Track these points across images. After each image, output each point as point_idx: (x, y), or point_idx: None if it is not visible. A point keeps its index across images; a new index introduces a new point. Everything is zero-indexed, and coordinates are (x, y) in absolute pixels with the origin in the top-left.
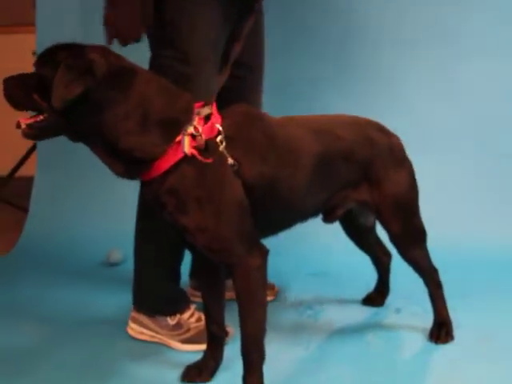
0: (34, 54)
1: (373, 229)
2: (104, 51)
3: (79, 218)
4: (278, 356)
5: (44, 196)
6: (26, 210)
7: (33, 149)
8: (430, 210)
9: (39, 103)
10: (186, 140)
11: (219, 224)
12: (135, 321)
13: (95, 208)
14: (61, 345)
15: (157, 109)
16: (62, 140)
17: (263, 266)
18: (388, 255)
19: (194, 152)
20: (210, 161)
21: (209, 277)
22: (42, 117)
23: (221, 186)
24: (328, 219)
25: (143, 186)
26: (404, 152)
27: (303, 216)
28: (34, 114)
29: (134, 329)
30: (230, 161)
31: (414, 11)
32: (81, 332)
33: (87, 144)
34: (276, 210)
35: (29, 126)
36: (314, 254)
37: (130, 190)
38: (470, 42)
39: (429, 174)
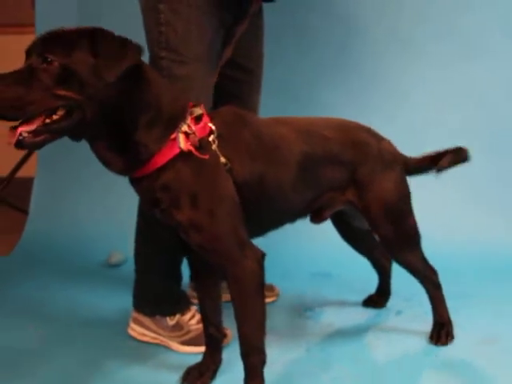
0: None
1: (369, 233)
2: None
3: (79, 219)
4: (279, 358)
5: (44, 197)
6: (26, 212)
7: None
8: (433, 214)
9: (68, 97)
10: (181, 137)
11: (213, 221)
12: (136, 321)
13: (95, 209)
14: (61, 346)
15: (164, 106)
16: (62, 141)
17: (258, 270)
18: (388, 258)
19: (191, 148)
20: (206, 157)
21: (205, 278)
22: (60, 114)
23: (215, 183)
24: (315, 220)
25: (134, 183)
26: (394, 156)
27: (290, 216)
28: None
29: (135, 330)
30: (222, 159)
31: (413, 13)
32: (81, 333)
33: (92, 139)
34: (264, 209)
35: (38, 131)
36: (315, 255)
37: (130, 191)
38: (471, 42)
39: (431, 178)
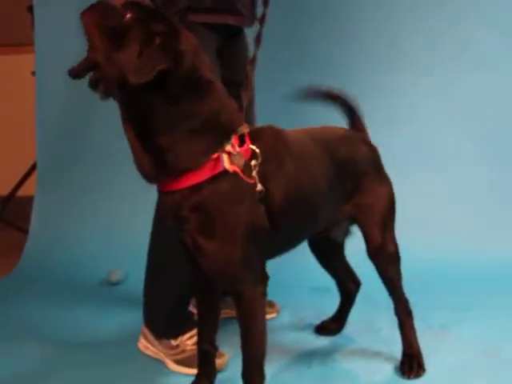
0: (33, 74)
1: (341, 250)
2: (198, 47)
3: (79, 237)
4: (280, 374)
5: (44, 216)
6: (26, 231)
7: (33, 168)
8: (431, 224)
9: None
10: (226, 157)
11: (236, 251)
12: (144, 335)
13: (95, 228)
14: (62, 366)
15: (216, 120)
16: (62, 160)
17: (264, 294)
18: (356, 283)
19: (237, 169)
20: (252, 181)
21: (207, 294)
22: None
23: (247, 212)
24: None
25: (163, 195)
26: (382, 164)
27: (312, 233)
28: None
29: (142, 343)
30: (259, 187)
31: (413, 25)
32: (82, 353)
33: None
34: (294, 230)
35: None
36: (315, 270)
37: (130, 210)
38: (471, 56)
39: (429, 189)
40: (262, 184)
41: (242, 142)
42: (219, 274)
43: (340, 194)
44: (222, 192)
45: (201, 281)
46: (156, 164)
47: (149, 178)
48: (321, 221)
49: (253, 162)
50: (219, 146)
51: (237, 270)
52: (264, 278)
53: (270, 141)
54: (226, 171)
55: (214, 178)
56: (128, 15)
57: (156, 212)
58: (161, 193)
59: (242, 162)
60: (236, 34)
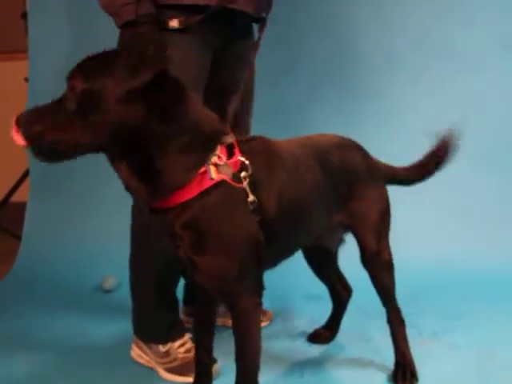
0: (26, 80)
1: (335, 258)
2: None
3: (72, 244)
4: (273, 383)
5: (37, 222)
6: (19, 237)
7: (26, 174)
8: (426, 230)
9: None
10: (212, 169)
11: (231, 266)
12: (136, 343)
13: (88, 234)
14: (55, 373)
15: (202, 132)
16: (54, 166)
17: (259, 305)
18: (348, 291)
19: (225, 177)
20: (241, 185)
21: (202, 305)
22: None
23: (240, 224)
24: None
25: (154, 214)
26: (380, 171)
27: (307, 241)
28: None
29: (134, 351)
30: (251, 198)
31: (407, 29)
32: (75, 359)
33: (113, 159)
34: (288, 239)
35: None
36: (307, 278)
37: (123, 216)
38: (467, 58)
39: (426, 194)
40: (254, 195)
41: (230, 154)
42: (214, 288)
43: (334, 202)
44: (212, 206)
45: (198, 293)
46: (150, 188)
47: (145, 202)
48: (315, 229)
49: (243, 174)
50: (205, 159)
51: (232, 283)
52: (259, 289)
53: (261, 151)
54: (214, 185)
55: (204, 193)
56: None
57: (133, 219)
58: (153, 211)
59: (229, 172)
60: (240, 35)
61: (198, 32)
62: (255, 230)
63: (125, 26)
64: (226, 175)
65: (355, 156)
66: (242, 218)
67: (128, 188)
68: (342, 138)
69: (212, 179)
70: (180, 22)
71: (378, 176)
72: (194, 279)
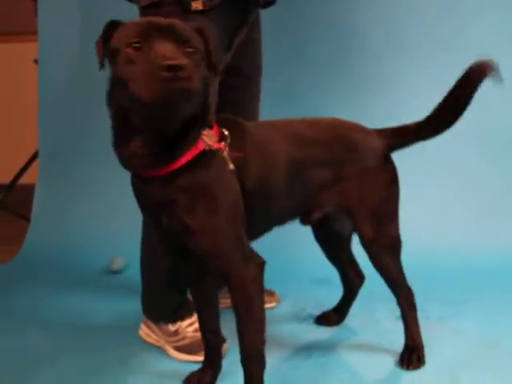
0: (35, 62)
1: (348, 243)
2: None
3: (81, 225)
4: (280, 364)
5: (45, 204)
6: (28, 219)
7: (35, 156)
8: (429, 218)
9: None
10: (205, 138)
11: (222, 226)
12: (145, 323)
13: (97, 216)
14: (63, 353)
15: (210, 106)
16: (64, 148)
17: (259, 277)
18: (360, 277)
19: (220, 145)
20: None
21: (202, 287)
22: None
23: (228, 188)
24: (304, 221)
25: (145, 183)
26: (386, 155)
27: (281, 219)
28: None
29: (143, 330)
30: (231, 166)
31: (414, 19)
32: (83, 340)
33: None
34: (260, 214)
35: None
36: (315, 261)
37: (131, 198)
38: (471, 50)
39: (433, 181)
40: (233, 164)
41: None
42: (208, 253)
43: (314, 182)
44: (205, 169)
45: (196, 273)
46: (160, 154)
47: (138, 167)
48: (289, 206)
49: (222, 143)
50: (202, 128)
51: (226, 246)
52: (256, 260)
53: (229, 125)
54: (205, 151)
55: (197, 157)
56: None
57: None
58: (142, 181)
59: (215, 140)
60: (245, 21)
61: (217, 14)
62: (240, 194)
63: (148, 7)
64: (213, 142)
65: (349, 136)
66: (230, 181)
67: (133, 155)
68: (339, 120)
69: (209, 146)
70: (204, 4)
71: (372, 154)
72: (187, 257)
